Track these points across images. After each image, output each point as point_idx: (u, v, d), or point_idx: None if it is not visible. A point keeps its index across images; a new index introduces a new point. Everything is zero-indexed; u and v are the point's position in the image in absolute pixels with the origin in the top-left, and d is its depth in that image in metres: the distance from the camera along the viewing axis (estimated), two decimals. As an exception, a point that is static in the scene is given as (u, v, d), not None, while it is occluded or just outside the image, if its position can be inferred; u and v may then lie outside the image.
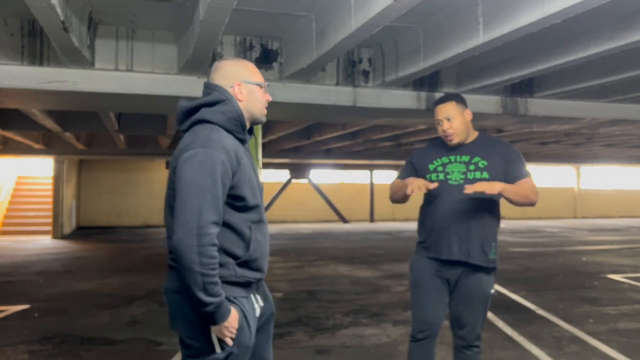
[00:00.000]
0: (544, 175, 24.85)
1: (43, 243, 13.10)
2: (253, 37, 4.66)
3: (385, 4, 2.84)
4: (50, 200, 15.00)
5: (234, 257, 1.79)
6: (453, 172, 2.58)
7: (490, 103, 5.74)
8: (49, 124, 8.42)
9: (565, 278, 7.69)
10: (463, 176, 2.55)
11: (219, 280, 1.69)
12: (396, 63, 4.66)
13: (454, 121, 2.59)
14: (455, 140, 2.61)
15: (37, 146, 11.91)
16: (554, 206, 23.85)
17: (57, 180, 14.62)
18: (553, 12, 2.86)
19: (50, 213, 14.81)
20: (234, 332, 1.75)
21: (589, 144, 12.65)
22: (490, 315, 5.28)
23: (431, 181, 2.63)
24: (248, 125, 1.91)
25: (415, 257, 2.75)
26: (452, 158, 2.62)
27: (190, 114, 1.84)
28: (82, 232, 16.29)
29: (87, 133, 12.03)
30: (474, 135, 2.70)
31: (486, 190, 2.33)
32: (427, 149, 2.81)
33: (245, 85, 1.88)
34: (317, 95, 5.04)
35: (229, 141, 1.78)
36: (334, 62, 4.99)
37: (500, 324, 4.97)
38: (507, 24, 3.21)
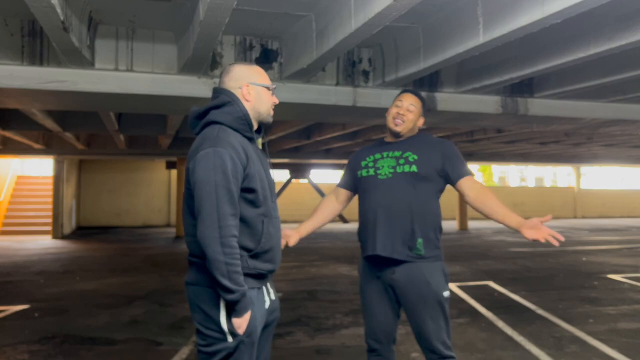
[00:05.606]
0: (544, 176, 24.84)
1: (43, 243, 13.10)
2: (253, 37, 4.66)
3: (385, 4, 2.85)
4: (50, 200, 15.00)
5: (246, 249, 1.88)
6: (383, 167, 2.52)
7: (490, 103, 5.74)
8: (49, 124, 8.42)
9: (565, 278, 7.69)
10: (392, 170, 2.49)
11: (242, 272, 1.80)
12: (396, 63, 4.66)
13: (412, 114, 2.56)
14: (400, 128, 2.55)
15: (37, 146, 11.91)
16: (554, 206, 23.88)
17: (57, 180, 14.63)
18: (553, 12, 2.86)
19: (50, 213, 14.82)
20: (246, 324, 1.86)
21: (589, 144, 12.66)
22: (490, 315, 5.28)
23: (361, 177, 2.57)
24: (255, 125, 2.03)
25: (359, 262, 2.66)
26: (385, 154, 2.56)
27: (201, 118, 1.96)
28: (82, 232, 16.29)
29: (87, 133, 12.04)
30: (413, 133, 2.66)
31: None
32: (362, 151, 2.73)
33: (252, 87, 2.00)
34: (317, 95, 5.04)
35: (237, 139, 1.88)
36: (334, 62, 5.00)
37: (500, 324, 4.96)
38: (507, 24, 3.21)
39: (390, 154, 2.55)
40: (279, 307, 2.14)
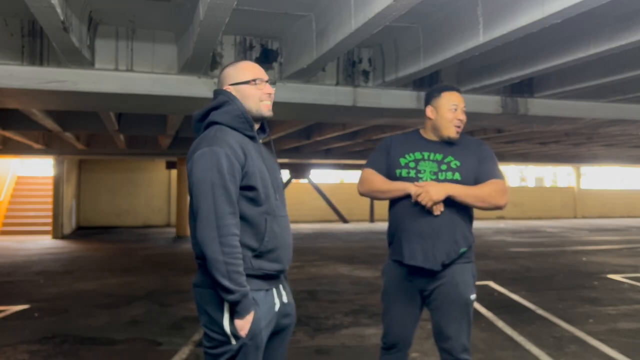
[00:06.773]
0: (544, 176, 24.83)
1: (43, 243, 13.09)
2: (253, 37, 4.66)
3: (385, 4, 2.84)
4: (50, 200, 15.00)
5: (250, 249, 1.84)
6: (425, 170, 2.41)
7: (490, 103, 5.74)
8: (49, 124, 8.42)
9: (565, 278, 7.69)
10: (434, 176, 2.39)
11: (243, 272, 1.76)
12: (396, 63, 4.66)
13: (465, 116, 2.48)
14: (460, 133, 2.48)
15: (37, 146, 11.91)
16: (554, 206, 23.86)
17: (57, 180, 14.63)
18: (553, 12, 2.86)
19: (50, 213, 14.81)
20: (249, 325, 1.82)
21: (589, 144, 12.66)
22: (490, 315, 5.28)
23: (400, 177, 2.44)
24: (256, 124, 1.99)
25: (386, 263, 2.58)
26: (425, 155, 2.45)
27: (203, 120, 1.96)
28: (82, 232, 16.29)
29: (87, 133, 12.04)
30: None
31: (426, 202, 2.26)
32: (402, 139, 2.58)
33: (231, 87, 1.97)
34: (317, 95, 5.04)
35: (235, 138, 1.86)
36: (334, 62, 5.00)
37: (500, 324, 4.96)
38: (507, 24, 3.21)
39: (432, 156, 2.45)
40: (295, 312, 2.05)
